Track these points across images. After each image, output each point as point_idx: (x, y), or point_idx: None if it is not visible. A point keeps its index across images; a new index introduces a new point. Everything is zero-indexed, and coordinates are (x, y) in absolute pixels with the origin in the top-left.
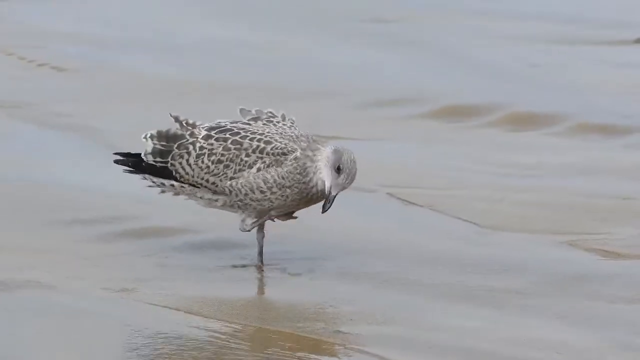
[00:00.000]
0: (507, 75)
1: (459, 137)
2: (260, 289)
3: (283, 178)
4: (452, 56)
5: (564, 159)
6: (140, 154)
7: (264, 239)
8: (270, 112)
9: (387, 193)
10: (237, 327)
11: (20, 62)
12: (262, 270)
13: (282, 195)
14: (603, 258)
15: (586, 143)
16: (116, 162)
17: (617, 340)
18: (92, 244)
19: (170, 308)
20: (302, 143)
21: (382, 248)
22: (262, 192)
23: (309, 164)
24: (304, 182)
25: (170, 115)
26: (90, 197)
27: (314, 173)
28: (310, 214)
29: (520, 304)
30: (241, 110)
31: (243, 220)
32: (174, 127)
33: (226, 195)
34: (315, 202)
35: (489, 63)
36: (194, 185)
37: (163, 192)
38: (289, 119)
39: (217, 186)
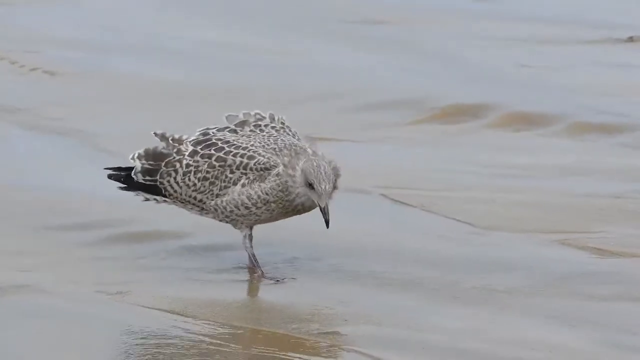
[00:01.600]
0: (500, 76)
1: (453, 139)
2: (254, 291)
3: (267, 194)
4: (444, 58)
5: (558, 159)
6: (131, 167)
7: (252, 243)
8: (259, 114)
9: (381, 194)
10: (231, 329)
11: (12, 67)
12: (262, 277)
13: (268, 210)
14: (597, 257)
15: (579, 143)
16: (109, 177)
17: (611, 340)
18: (85, 248)
19: (164, 311)
20: (284, 158)
21: (377, 249)
22: (246, 207)
23: (290, 182)
24: (287, 200)
25: (155, 135)
26: (84, 201)
27: (296, 194)
28: (303, 215)
29: (515, 304)
30: (227, 117)
31: (244, 239)
32: (161, 145)
33: (213, 214)
34: (304, 212)
35: (481, 64)
36: (182, 202)
37: (158, 202)
38: (278, 119)
39: (204, 204)
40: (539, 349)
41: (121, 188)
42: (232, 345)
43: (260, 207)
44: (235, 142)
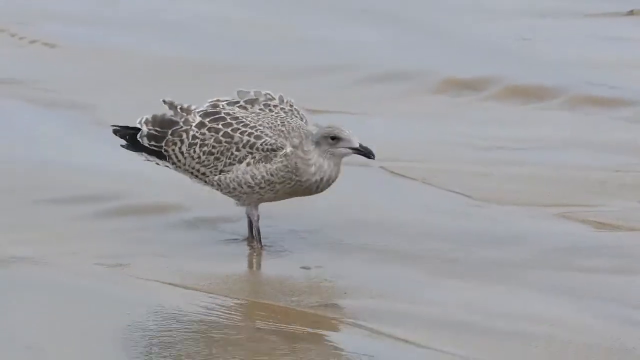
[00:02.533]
0: (500, 50)
1: (452, 112)
2: (254, 264)
3: (272, 175)
4: (444, 31)
5: (557, 133)
6: (137, 128)
7: (259, 220)
8: (269, 94)
9: (380, 167)
10: (231, 301)
11: (12, 39)
12: (264, 248)
13: (271, 190)
14: (596, 230)
15: (579, 116)
16: (115, 132)
17: (610, 313)
18: (85, 221)
19: (163, 283)
20: (294, 139)
21: (376, 222)
22: (250, 186)
23: (300, 165)
24: (298, 180)
25: (164, 102)
26: (83, 174)
27: (313, 173)
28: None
29: (514, 277)
30: (239, 92)
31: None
32: (169, 113)
33: (215, 187)
34: (311, 194)
35: (481, 38)
36: (185, 172)
37: (158, 164)
38: (287, 101)
39: (206, 177)
40: (538, 322)
41: (124, 146)
42: (232, 317)
43: (264, 187)
44: (243, 120)
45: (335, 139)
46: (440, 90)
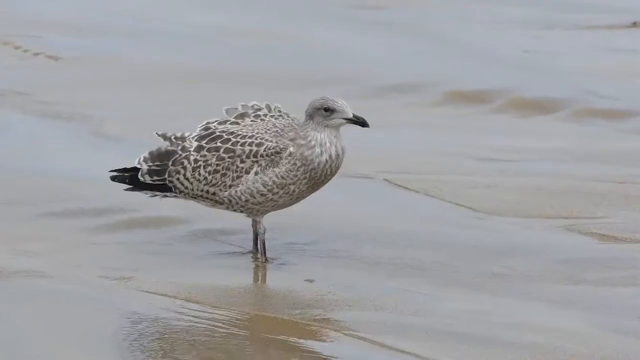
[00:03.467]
0: (503, 61)
1: (456, 124)
2: (258, 277)
3: (283, 177)
4: (446, 42)
5: (561, 144)
6: (135, 167)
7: (265, 233)
8: (256, 104)
9: (384, 179)
10: (234, 314)
11: (15, 52)
12: (266, 261)
13: (286, 193)
14: (600, 242)
15: (583, 128)
16: (113, 179)
17: (614, 325)
18: (89, 234)
19: (168, 296)
20: (290, 133)
21: (379, 234)
22: (262, 195)
23: (307, 152)
24: (312, 169)
25: (157, 135)
26: (87, 186)
27: (319, 153)
28: (306, 201)
29: (517, 289)
30: (227, 110)
31: (259, 224)
32: (164, 145)
33: (226, 204)
34: (323, 184)
35: (484, 49)
36: (194, 198)
37: (168, 197)
38: (274, 108)
39: (216, 196)
40: (542, 334)
41: (127, 190)
42: (235, 330)
43: (277, 192)
44: (240, 132)
45: (328, 110)
46: (444, 103)
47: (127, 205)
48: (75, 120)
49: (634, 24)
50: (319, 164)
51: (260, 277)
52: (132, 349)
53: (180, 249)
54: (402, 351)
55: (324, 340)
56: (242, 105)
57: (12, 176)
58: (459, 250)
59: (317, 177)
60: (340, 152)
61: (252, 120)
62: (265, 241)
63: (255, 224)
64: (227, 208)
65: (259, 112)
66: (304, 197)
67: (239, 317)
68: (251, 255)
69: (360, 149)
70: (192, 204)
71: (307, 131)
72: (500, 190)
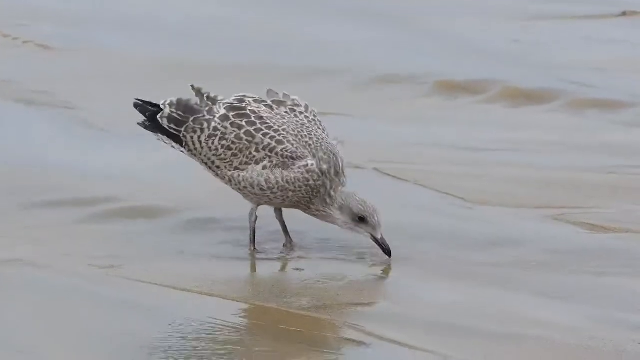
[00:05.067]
0: (493, 52)
1: (447, 114)
2: (247, 266)
3: (287, 182)
4: (437, 34)
5: (551, 135)
6: (158, 106)
7: (256, 223)
8: (296, 100)
9: (374, 168)
10: (222, 302)
11: (5, 40)
12: (256, 251)
13: (282, 196)
14: (589, 232)
15: (574, 119)
16: (136, 106)
17: (603, 316)
18: (77, 223)
19: (155, 284)
20: (321, 154)
21: None
22: (262, 189)
23: (328, 200)
24: (308, 198)
25: (192, 87)
26: (76, 176)
27: (333, 213)
28: None
29: (507, 279)
30: (268, 91)
31: (251, 214)
32: (195, 100)
33: (226, 181)
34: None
35: (475, 40)
36: (199, 161)
37: (173, 147)
38: (311, 111)
39: (220, 170)
40: (530, 324)
41: (141, 123)
42: (223, 318)
43: (276, 193)
44: (268, 122)
45: (362, 220)
46: (434, 93)
47: (116, 195)
48: (65, 110)
49: (624, 14)
50: (316, 206)
51: (248, 266)
52: (120, 338)
53: (169, 239)
54: (390, 340)
55: (312, 329)
56: (284, 95)
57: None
58: (449, 240)
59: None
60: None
61: (285, 112)
62: (256, 230)
63: (250, 212)
64: (226, 183)
65: (295, 108)
66: (292, 208)
67: (226, 306)
68: (285, 246)
69: (350, 138)
70: (182, 193)
71: (334, 209)
72: (490, 180)
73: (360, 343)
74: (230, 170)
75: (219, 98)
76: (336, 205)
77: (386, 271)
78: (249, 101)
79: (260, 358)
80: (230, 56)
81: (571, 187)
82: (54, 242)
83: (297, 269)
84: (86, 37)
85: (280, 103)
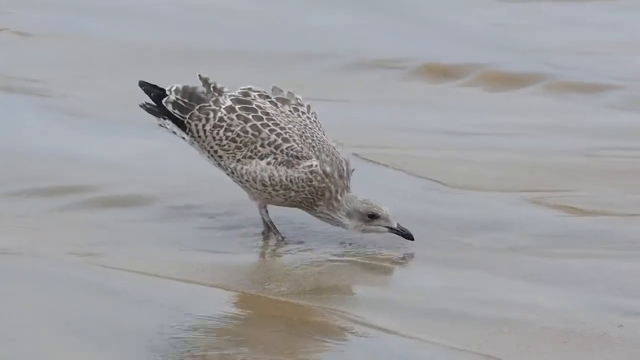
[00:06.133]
0: (474, 36)
1: (427, 98)
2: (227, 253)
3: (291, 181)
4: (420, 18)
5: (532, 119)
6: (164, 90)
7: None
8: (299, 99)
9: (353, 153)
10: (202, 288)
11: None
12: (283, 240)
13: (284, 195)
14: (569, 215)
15: (556, 102)
16: (141, 86)
17: (585, 298)
18: (59, 212)
19: (136, 272)
20: (324, 156)
21: None
22: (263, 184)
23: (335, 204)
24: (312, 200)
25: (200, 77)
26: (57, 164)
27: (341, 219)
28: None
29: (489, 263)
30: (273, 88)
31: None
32: (201, 89)
33: (228, 173)
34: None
35: (458, 24)
36: (202, 149)
37: (174, 133)
38: (312, 112)
39: (222, 160)
40: (512, 308)
41: (144, 105)
42: (203, 304)
43: (278, 190)
44: (274, 118)
45: (373, 216)
46: (415, 78)
47: (96, 183)
48: (45, 97)
49: None
50: (316, 207)
51: (229, 254)
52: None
53: (149, 226)
54: (371, 325)
55: (291, 316)
56: (288, 93)
57: None
58: (429, 225)
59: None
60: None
61: (290, 111)
62: (272, 221)
63: (257, 205)
64: (228, 174)
65: (298, 107)
66: (292, 207)
67: (206, 291)
68: (263, 233)
69: (329, 122)
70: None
71: (344, 196)
72: (471, 164)
73: (342, 328)
74: (233, 162)
75: (225, 90)
76: (343, 212)
77: (366, 257)
78: (255, 95)
79: (239, 345)
80: (214, 42)
81: (552, 170)
82: (34, 231)
83: (276, 256)
84: (65, 23)
85: (284, 101)
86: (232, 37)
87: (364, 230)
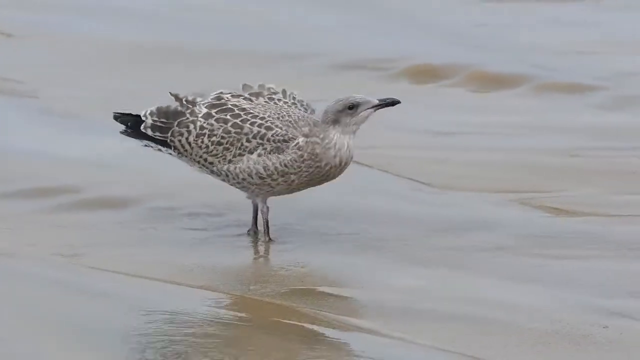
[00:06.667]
0: (459, 36)
1: (412, 99)
2: (212, 254)
3: (286, 166)
4: (402, 18)
5: (517, 119)
6: (138, 115)
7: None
8: (272, 88)
9: None
10: (186, 289)
11: None
12: (271, 242)
13: (285, 182)
14: (554, 216)
15: (541, 102)
16: (115, 118)
17: (568, 299)
18: (42, 213)
19: (119, 272)
20: (303, 128)
21: (333, 210)
22: (260, 177)
23: (319, 150)
24: (317, 167)
25: (170, 94)
26: (39, 165)
27: (333, 156)
28: None
29: (472, 264)
30: (243, 85)
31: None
32: (174, 104)
33: (223, 177)
34: (320, 183)
35: (443, 25)
36: (192, 161)
37: (160, 151)
38: (290, 94)
39: (214, 166)
40: (498, 309)
41: (124, 132)
42: (188, 305)
43: (277, 179)
44: (251, 111)
45: (353, 107)
46: (400, 78)
47: (83, 184)
48: (27, 97)
49: None
50: (327, 164)
51: (213, 254)
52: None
53: (134, 227)
54: (357, 327)
55: (275, 317)
56: (259, 85)
57: None
58: (414, 226)
59: (317, 177)
60: (349, 160)
61: (265, 102)
62: (269, 221)
63: (256, 202)
64: (223, 180)
65: (273, 96)
66: (300, 190)
67: (190, 293)
68: (247, 233)
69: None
70: (146, 181)
71: (328, 132)
72: (456, 165)
73: (326, 329)
74: (225, 165)
75: (197, 100)
76: (329, 127)
77: (350, 257)
78: (227, 97)
79: (224, 346)
80: (202, 41)
81: (537, 171)
82: (18, 232)
83: (262, 257)
84: (51, 24)
85: (257, 94)
86: (217, 36)
87: (356, 125)
